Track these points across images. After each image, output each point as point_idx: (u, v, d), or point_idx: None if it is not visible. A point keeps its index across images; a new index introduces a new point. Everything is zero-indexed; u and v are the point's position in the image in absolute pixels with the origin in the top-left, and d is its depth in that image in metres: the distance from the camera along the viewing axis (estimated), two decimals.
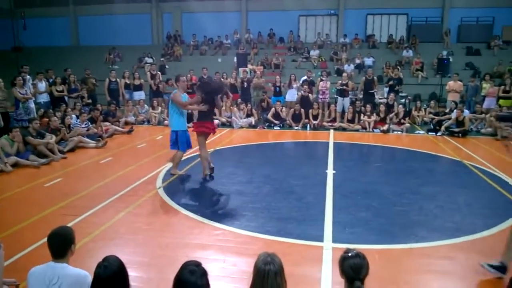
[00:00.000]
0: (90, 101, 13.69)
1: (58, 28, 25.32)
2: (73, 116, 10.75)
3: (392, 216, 5.61)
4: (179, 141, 7.40)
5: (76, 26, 25.94)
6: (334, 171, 7.86)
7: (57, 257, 2.79)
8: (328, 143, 10.78)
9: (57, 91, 12.59)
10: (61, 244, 2.80)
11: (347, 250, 2.58)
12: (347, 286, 2.51)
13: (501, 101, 13.21)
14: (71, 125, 10.35)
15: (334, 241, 4.75)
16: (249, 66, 16.85)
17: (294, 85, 14.49)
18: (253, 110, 13.92)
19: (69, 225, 5.01)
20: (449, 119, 12.33)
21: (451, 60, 17.40)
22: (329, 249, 4.54)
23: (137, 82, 14.69)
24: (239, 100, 13.89)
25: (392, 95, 13.57)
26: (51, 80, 12.86)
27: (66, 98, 12.91)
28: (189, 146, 7.62)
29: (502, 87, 13.50)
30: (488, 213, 5.76)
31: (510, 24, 20.59)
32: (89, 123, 10.94)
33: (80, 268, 2.77)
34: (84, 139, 10.13)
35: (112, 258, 2.56)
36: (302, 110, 13.33)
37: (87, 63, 17.66)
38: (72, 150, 9.55)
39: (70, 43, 25.71)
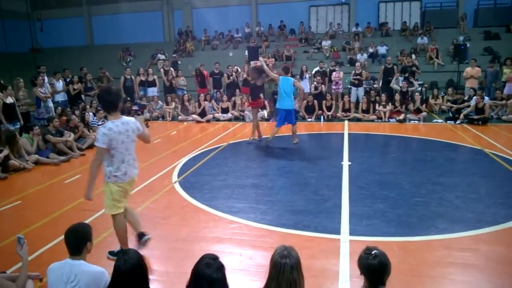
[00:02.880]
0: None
1: (73, 29, 25.73)
2: (90, 113, 10.87)
3: (410, 208, 5.51)
4: (294, 116, 9.41)
5: (90, 26, 26.26)
6: (350, 163, 7.77)
7: (73, 254, 2.82)
8: (343, 134, 10.67)
9: (74, 89, 12.76)
10: (77, 241, 2.83)
11: (368, 250, 2.49)
12: (368, 285, 2.46)
13: None
14: (89, 123, 10.47)
15: (351, 233, 4.69)
16: (261, 58, 16.70)
17: (307, 76, 14.36)
18: (266, 102, 13.85)
19: (89, 220, 5.14)
20: (468, 106, 12.05)
21: (468, 45, 16.99)
22: (346, 242, 4.49)
23: (151, 78, 14.77)
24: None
25: (404, 83, 13.32)
26: (68, 80, 13.06)
27: (83, 96, 13.09)
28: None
29: None
30: (510, 203, 5.60)
31: None
32: (105, 120, 11.00)
33: (99, 263, 2.79)
34: None
35: (131, 251, 2.60)
36: (315, 101, 13.21)
37: (102, 62, 17.87)
38: (90, 147, 9.65)
39: (85, 43, 26.05)
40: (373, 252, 2.44)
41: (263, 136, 10.21)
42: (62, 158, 8.62)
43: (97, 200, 6.00)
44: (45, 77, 11.74)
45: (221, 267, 2.32)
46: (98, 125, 10.57)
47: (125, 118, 4.12)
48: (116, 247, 4.34)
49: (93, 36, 26.35)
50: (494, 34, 19.47)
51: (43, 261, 3.89)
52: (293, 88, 9.39)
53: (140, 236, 4.35)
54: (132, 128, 4.13)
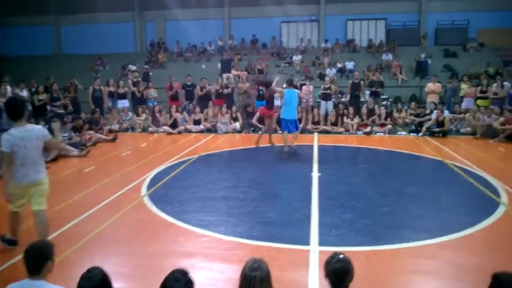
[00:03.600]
0: (73, 109, 13.57)
1: (40, 37, 25.12)
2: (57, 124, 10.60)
3: (377, 217, 5.66)
4: (297, 125, 10.15)
5: (58, 35, 25.74)
6: (319, 174, 7.90)
7: (32, 274, 2.67)
8: (312, 146, 10.86)
9: (39, 100, 12.41)
10: (37, 260, 2.69)
11: (334, 255, 2.58)
12: None
13: (478, 101, 13.54)
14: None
15: (320, 244, 4.77)
16: (233, 71, 16.87)
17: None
18: (238, 115, 13.94)
19: (51, 237, 4.92)
20: (430, 120, 12.57)
21: (429, 62, 17.75)
22: (316, 253, 4.55)
23: (121, 90, 14.61)
24: (224, 105, 13.87)
25: (370, 99, 13.73)
26: (33, 89, 12.68)
27: (48, 107, 12.74)
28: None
29: (479, 87, 13.86)
30: (471, 210, 5.87)
31: (484, 27, 21.18)
32: (72, 132, 10.79)
33: (62, 282, 2.71)
34: (67, 148, 9.99)
35: (96, 269, 2.52)
36: None
37: (71, 72, 17.50)
38: (54, 159, 9.40)
39: (53, 52, 25.42)
40: (337, 257, 2.54)
41: (274, 144, 10.87)
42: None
43: (61, 215, 5.89)
44: (8, 87, 11.40)
45: (189, 283, 2.31)
46: (64, 137, 10.31)
47: (30, 126, 4.50)
48: (80, 265, 4.22)
49: (61, 45, 25.81)
50: (452, 52, 20.48)
51: (3, 278, 3.76)
52: (297, 99, 10.04)
53: (4, 239, 4.67)
54: (36, 135, 4.43)
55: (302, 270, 4.19)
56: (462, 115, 13.32)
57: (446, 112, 12.78)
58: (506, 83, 13.46)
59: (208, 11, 23.47)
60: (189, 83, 14.99)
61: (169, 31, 24.41)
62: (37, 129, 4.51)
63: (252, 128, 13.40)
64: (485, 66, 17.91)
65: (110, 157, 10.05)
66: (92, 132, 11.88)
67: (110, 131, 13.10)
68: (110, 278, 2.55)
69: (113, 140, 11.96)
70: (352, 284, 2.57)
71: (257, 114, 13.49)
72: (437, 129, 12.17)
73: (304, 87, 14.42)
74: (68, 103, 13.53)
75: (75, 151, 10.04)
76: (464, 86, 14.06)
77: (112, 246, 4.87)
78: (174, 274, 2.33)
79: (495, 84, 13.62)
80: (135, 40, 24.95)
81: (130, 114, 14.31)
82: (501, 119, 11.53)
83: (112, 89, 14.50)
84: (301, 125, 13.09)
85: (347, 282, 2.50)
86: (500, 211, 5.81)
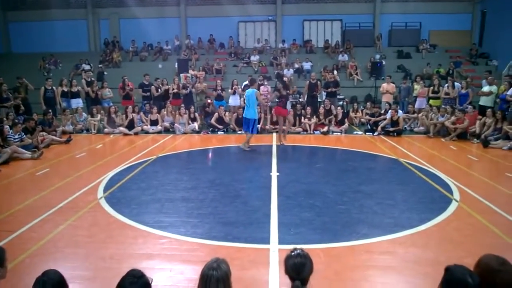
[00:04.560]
0: (23, 109, 12.99)
1: None
2: (7, 126, 10.10)
3: (334, 215, 5.81)
4: (254, 126, 10.42)
5: (6, 33, 24.35)
6: (278, 173, 8.01)
7: None
8: (271, 146, 10.97)
9: None
10: None
11: (293, 250, 2.63)
12: (291, 285, 2.59)
13: (431, 101, 14.13)
14: (6, 136, 9.73)
15: (280, 242, 4.84)
16: (191, 71, 16.75)
17: (237, 91, 14.59)
18: (197, 115, 13.84)
19: (4, 242, 4.78)
20: (385, 119, 13.01)
21: (383, 63, 18.36)
22: (275, 251, 4.62)
23: (74, 89, 14.13)
24: (182, 106, 13.74)
25: (327, 101, 14.02)
26: None
27: None
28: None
29: (431, 87, 14.47)
30: (424, 207, 6.11)
31: (435, 28, 22.16)
32: (23, 134, 10.32)
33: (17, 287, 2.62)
34: (19, 150, 9.57)
35: (51, 271, 2.44)
36: None
37: (20, 71, 16.65)
38: (5, 162, 8.97)
39: (1, 50, 24.08)
40: (295, 251, 2.59)
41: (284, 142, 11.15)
42: None
43: (13, 219, 5.65)
44: None
45: (145, 285, 2.28)
46: (15, 139, 9.87)
47: None
48: (34, 270, 4.06)
49: (10, 43, 24.51)
50: (406, 53, 21.30)
51: None
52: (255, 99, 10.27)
53: None
54: None
55: (262, 269, 4.24)
56: (415, 115, 13.86)
57: (400, 112, 13.27)
58: (457, 84, 14.15)
59: (164, 9, 23.07)
60: (146, 83, 14.73)
61: (124, 29, 23.77)
62: None
63: (210, 129, 13.36)
64: (437, 66, 18.75)
65: (65, 159, 9.71)
66: (44, 133, 11.42)
67: (64, 132, 12.66)
68: (66, 281, 2.48)
69: (67, 141, 11.56)
70: (311, 280, 2.63)
71: (216, 114, 13.48)
72: (391, 129, 12.63)
73: (262, 87, 14.53)
74: (19, 104, 12.93)
75: (27, 154, 9.62)
76: (417, 86, 14.61)
77: (68, 249, 4.72)
78: (128, 277, 2.28)
79: (446, 85, 14.23)
80: (88, 38, 24.10)
81: (84, 115, 13.87)
82: (453, 118, 12.06)
83: (65, 89, 13.99)
84: (260, 125, 13.27)
85: (306, 274, 2.55)
86: (453, 207, 6.10)
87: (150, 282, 2.33)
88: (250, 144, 10.51)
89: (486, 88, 12.92)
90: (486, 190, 6.98)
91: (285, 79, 14.74)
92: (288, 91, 11.58)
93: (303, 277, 2.55)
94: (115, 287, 2.33)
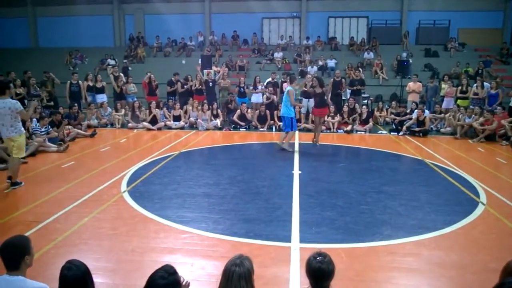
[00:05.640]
0: (52, 103, 13.32)
1: (16, 30, 24.45)
2: (34, 120, 10.35)
3: (357, 215, 5.72)
4: (293, 124, 10.12)
5: (35, 28, 25.05)
6: (300, 172, 7.95)
7: (10, 269, 2.63)
8: (293, 144, 10.90)
9: (17, 94, 12.11)
10: (14, 256, 2.65)
11: (316, 254, 2.57)
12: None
13: (459, 101, 13.79)
14: (32, 129, 9.97)
15: (301, 241, 4.80)
16: (214, 67, 16.80)
17: (259, 87, 14.56)
18: (219, 111, 13.88)
19: (30, 232, 4.89)
20: (410, 119, 12.74)
21: (410, 61, 18.02)
22: (296, 249, 4.58)
23: (99, 84, 14.36)
24: (205, 102, 13.80)
25: (351, 99, 13.83)
26: (10, 84, 12.37)
27: (25, 101, 12.45)
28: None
29: (459, 87, 14.11)
30: (449, 210, 5.96)
31: (465, 26, 21.60)
32: (49, 127, 10.57)
33: (42, 278, 2.67)
34: (45, 143, 9.79)
35: (77, 261, 2.52)
36: (268, 111, 13.41)
37: (47, 66, 17.12)
38: (33, 154, 9.18)
39: (29, 45, 24.77)
40: (318, 257, 2.53)
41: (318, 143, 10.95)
42: (1, 166, 8.05)
43: (39, 210, 5.78)
44: None
45: (175, 282, 2.30)
46: (41, 132, 10.10)
47: (8, 99, 6.68)
48: (59, 260, 4.14)
49: (38, 37, 25.16)
50: (434, 51, 20.82)
51: None
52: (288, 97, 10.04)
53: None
54: (9, 106, 6.57)
55: (283, 267, 4.21)
56: (442, 115, 13.53)
57: (427, 112, 12.97)
58: (486, 84, 13.75)
59: (189, 5, 23.24)
60: (174, 81, 14.86)
61: (149, 25, 24.08)
62: (11, 102, 6.67)
63: (232, 125, 13.38)
64: (465, 65, 18.27)
65: (89, 152, 9.89)
66: (70, 127, 11.66)
67: (89, 126, 12.90)
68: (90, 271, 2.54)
69: (92, 135, 11.77)
70: (333, 281, 2.59)
71: (238, 111, 13.49)
72: (417, 129, 12.35)
73: (285, 84, 14.44)
74: (47, 97, 13.26)
75: (53, 147, 9.84)
76: (444, 85, 14.27)
77: (92, 241, 4.79)
78: (160, 271, 2.30)
79: (475, 85, 13.85)
80: (113, 34, 24.50)
81: (109, 109, 14.09)
82: (481, 119, 11.72)
83: (90, 83, 14.25)
84: (282, 123, 13.18)
85: (327, 282, 2.51)
86: (479, 210, 5.94)
87: (183, 282, 2.33)
88: (283, 142, 10.21)
89: None
90: None
91: (308, 76, 14.63)
92: (324, 88, 11.13)
93: (326, 285, 2.50)
94: (137, 279, 2.35)
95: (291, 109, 10.09)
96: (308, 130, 12.97)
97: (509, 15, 21.49)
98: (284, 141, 10.06)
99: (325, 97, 11.45)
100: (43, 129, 10.22)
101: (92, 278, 2.53)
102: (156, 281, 2.26)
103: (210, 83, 14.80)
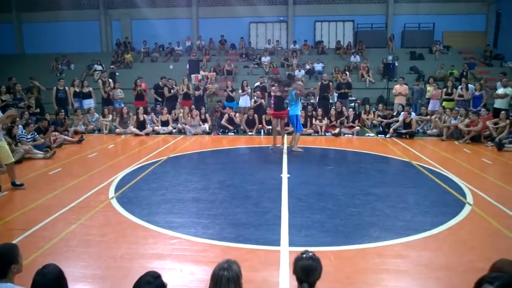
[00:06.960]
0: (38, 110, 13.17)
1: (1, 36, 23.96)
2: (20, 126, 10.22)
3: (346, 218, 5.75)
4: (298, 124, 10.19)
5: (20, 34, 24.68)
6: (289, 175, 7.97)
7: None
8: (282, 147, 10.92)
9: (2, 101, 11.94)
10: (1, 264, 2.66)
11: (304, 252, 2.62)
12: (298, 287, 2.57)
13: (444, 103, 13.98)
14: (17, 136, 9.84)
15: (290, 244, 4.80)
16: (202, 72, 16.79)
17: (247, 91, 14.57)
18: (207, 116, 13.86)
19: (17, 240, 4.83)
20: (397, 121, 12.87)
21: (396, 64, 18.22)
22: (286, 253, 4.59)
23: (86, 90, 14.24)
24: (192, 107, 13.76)
25: (338, 103, 13.92)
26: None
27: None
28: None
29: (445, 89, 14.32)
30: (437, 211, 6.02)
31: (449, 30, 21.93)
32: (36, 133, 10.45)
33: (28, 285, 2.63)
34: (31, 150, 9.67)
35: (51, 265, 2.54)
36: (256, 115, 13.44)
37: (34, 72, 16.89)
38: (19, 161, 9.03)
39: (15, 51, 24.40)
40: (306, 254, 2.58)
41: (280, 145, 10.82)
42: None
43: (26, 218, 5.70)
44: None
45: (161, 286, 2.30)
46: (27, 138, 9.98)
47: None
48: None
49: (23, 44, 24.83)
50: (419, 54, 21.10)
51: None
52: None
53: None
54: None
55: (273, 270, 4.21)
56: (428, 117, 13.69)
57: (413, 114, 13.09)
58: (470, 86, 13.95)
59: (176, 11, 23.21)
60: (162, 85, 14.80)
61: (136, 30, 23.96)
62: None
63: (221, 130, 13.37)
64: (450, 68, 18.55)
65: (76, 159, 9.79)
66: (57, 133, 11.54)
67: (76, 132, 12.78)
68: (65, 275, 2.55)
69: (79, 141, 11.66)
70: (322, 283, 2.60)
71: (226, 115, 13.48)
72: (404, 131, 12.48)
73: (273, 88, 14.45)
74: (32, 104, 13.11)
75: (40, 153, 9.73)
76: (430, 88, 14.47)
77: (80, 248, 4.74)
78: (146, 276, 2.31)
79: (460, 87, 14.08)
80: (100, 39, 24.32)
81: (96, 115, 13.98)
82: (466, 120, 11.87)
83: (77, 89, 14.12)
84: (270, 126, 13.21)
85: (313, 279, 2.54)
86: (466, 211, 6.01)
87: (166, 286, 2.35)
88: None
89: (500, 90, 12.70)
90: (500, 193, 6.87)
91: (299, 83, 14.66)
92: (285, 92, 10.39)
93: (312, 281, 2.53)
94: (125, 286, 2.34)
95: (296, 107, 10.26)
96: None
97: (492, 18, 21.89)
98: (293, 144, 10.30)
99: (284, 102, 10.90)
100: (29, 136, 10.10)
101: (66, 281, 2.53)
102: (142, 286, 2.25)
103: (200, 92, 14.74)
